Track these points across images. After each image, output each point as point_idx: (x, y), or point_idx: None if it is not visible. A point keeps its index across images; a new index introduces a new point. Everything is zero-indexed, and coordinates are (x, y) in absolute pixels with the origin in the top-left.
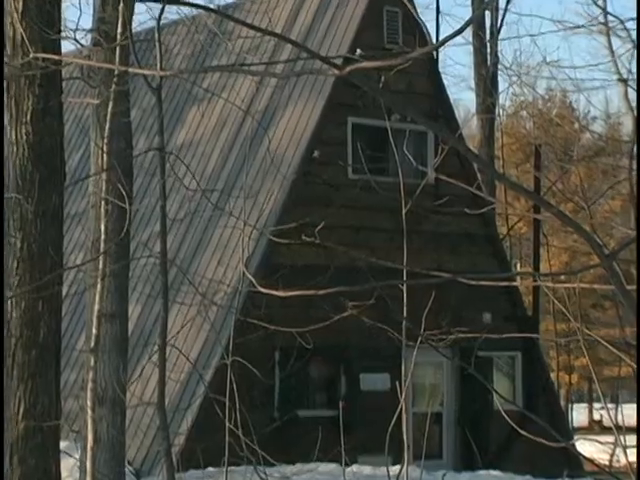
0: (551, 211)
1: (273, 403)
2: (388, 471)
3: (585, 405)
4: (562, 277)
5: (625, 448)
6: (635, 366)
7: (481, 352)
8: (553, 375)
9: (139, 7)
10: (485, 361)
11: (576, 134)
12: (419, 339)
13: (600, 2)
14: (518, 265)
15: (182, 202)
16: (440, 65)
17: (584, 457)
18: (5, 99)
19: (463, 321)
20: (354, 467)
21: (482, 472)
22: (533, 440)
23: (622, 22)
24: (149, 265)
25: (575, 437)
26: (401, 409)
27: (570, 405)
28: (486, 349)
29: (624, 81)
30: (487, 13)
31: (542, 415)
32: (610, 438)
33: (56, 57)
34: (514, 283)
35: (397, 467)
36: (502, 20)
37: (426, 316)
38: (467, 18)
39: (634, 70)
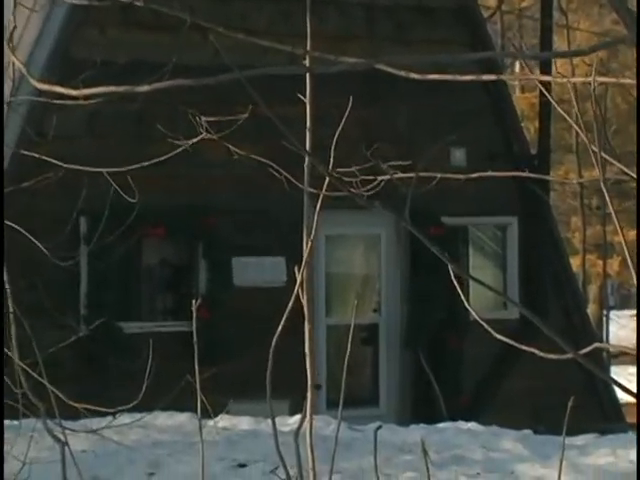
0: None
1: (77, 308)
2: (275, 426)
3: (632, 313)
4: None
5: None
6: None
7: (449, 218)
8: (576, 260)
9: None
10: (456, 232)
11: None
12: (326, 180)
13: None
14: (517, 66)
15: None
16: None
17: (623, 389)
18: None
19: (417, 161)
20: (221, 419)
21: (446, 425)
22: (536, 374)
23: None
24: None
25: (612, 366)
26: (303, 318)
27: (606, 312)
28: (459, 213)
29: None
30: None
31: (553, 324)
32: None
33: None
34: (489, 76)
35: (297, 418)
36: None
37: (345, 147)
38: None
39: None
